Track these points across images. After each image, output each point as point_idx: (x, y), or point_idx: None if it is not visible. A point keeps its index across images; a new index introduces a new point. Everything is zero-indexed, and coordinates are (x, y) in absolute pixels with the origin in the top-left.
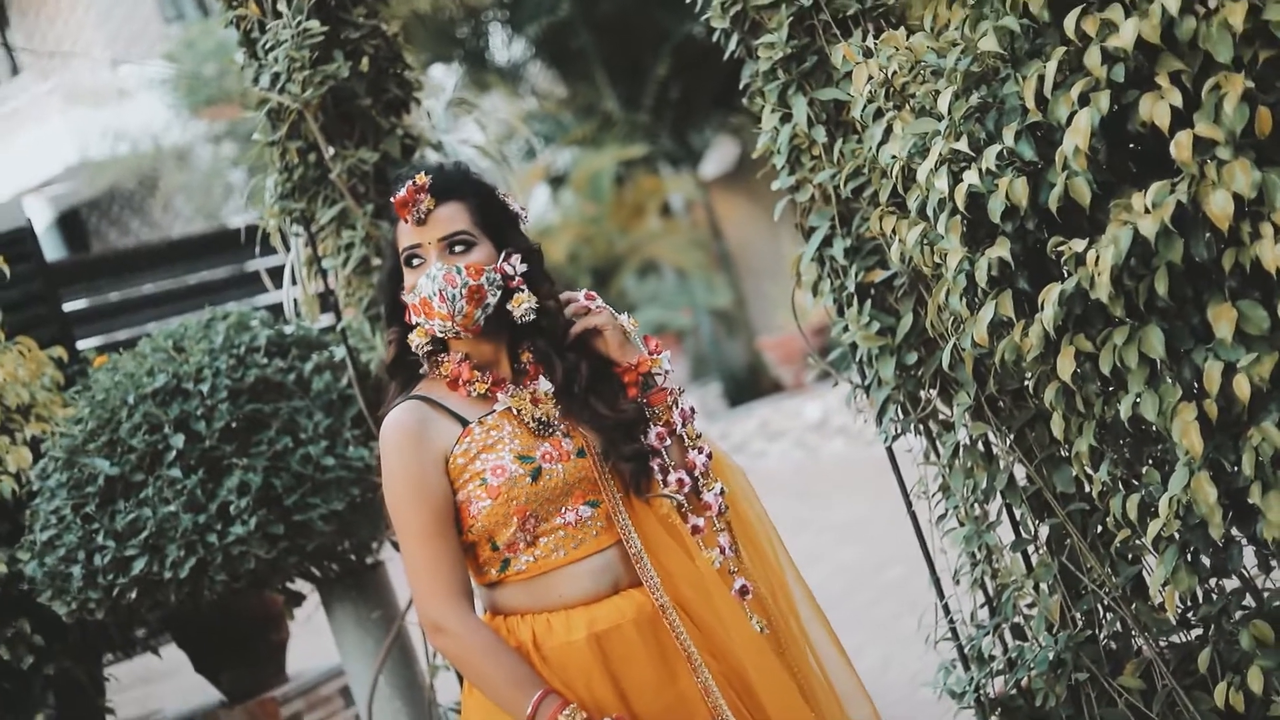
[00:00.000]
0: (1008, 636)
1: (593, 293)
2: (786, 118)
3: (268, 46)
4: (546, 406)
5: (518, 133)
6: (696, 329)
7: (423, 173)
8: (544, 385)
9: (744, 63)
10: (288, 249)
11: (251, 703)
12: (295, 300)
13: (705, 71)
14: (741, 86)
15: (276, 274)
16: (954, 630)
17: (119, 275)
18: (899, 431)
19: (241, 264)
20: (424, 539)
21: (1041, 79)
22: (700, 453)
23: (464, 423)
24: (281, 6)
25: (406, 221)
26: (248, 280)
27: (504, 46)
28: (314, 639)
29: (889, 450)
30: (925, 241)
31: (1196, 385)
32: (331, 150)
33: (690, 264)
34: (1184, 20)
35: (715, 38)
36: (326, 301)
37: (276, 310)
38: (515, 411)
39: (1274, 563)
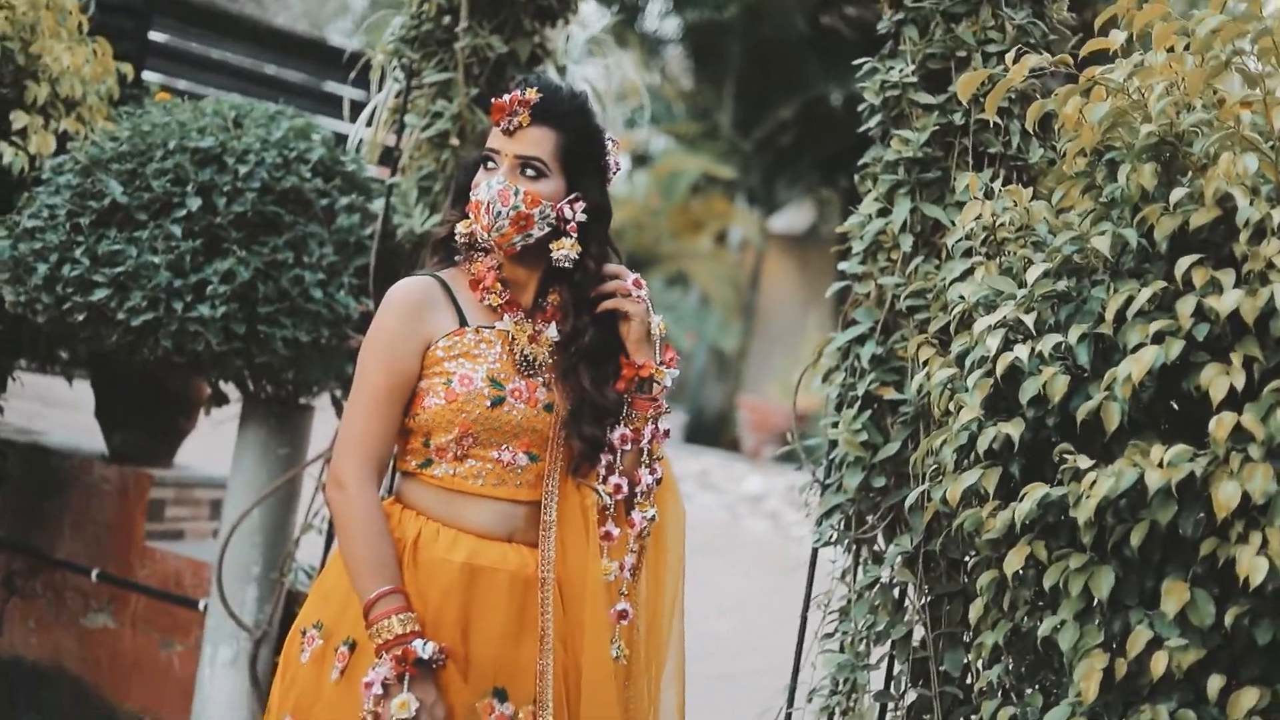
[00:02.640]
0: None
1: (642, 280)
2: (885, 211)
3: None
4: (541, 350)
5: (630, 99)
6: (692, 357)
7: (535, 89)
8: (551, 331)
9: (871, 142)
10: (379, 89)
11: (130, 469)
12: (361, 140)
13: (821, 135)
14: (860, 163)
15: (354, 109)
16: None
17: (209, 30)
18: (832, 540)
19: (321, 82)
20: (372, 401)
21: (1131, 299)
22: (651, 474)
23: (463, 322)
24: None
25: (498, 125)
26: (319, 98)
27: (658, 16)
28: (212, 444)
29: (814, 551)
30: (949, 387)
31: (1118, 641)
32: (467, 23)
33: (718, 297)
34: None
35: (861, 110)
36: (389, 155)
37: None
38: (511, 338)
39: None
